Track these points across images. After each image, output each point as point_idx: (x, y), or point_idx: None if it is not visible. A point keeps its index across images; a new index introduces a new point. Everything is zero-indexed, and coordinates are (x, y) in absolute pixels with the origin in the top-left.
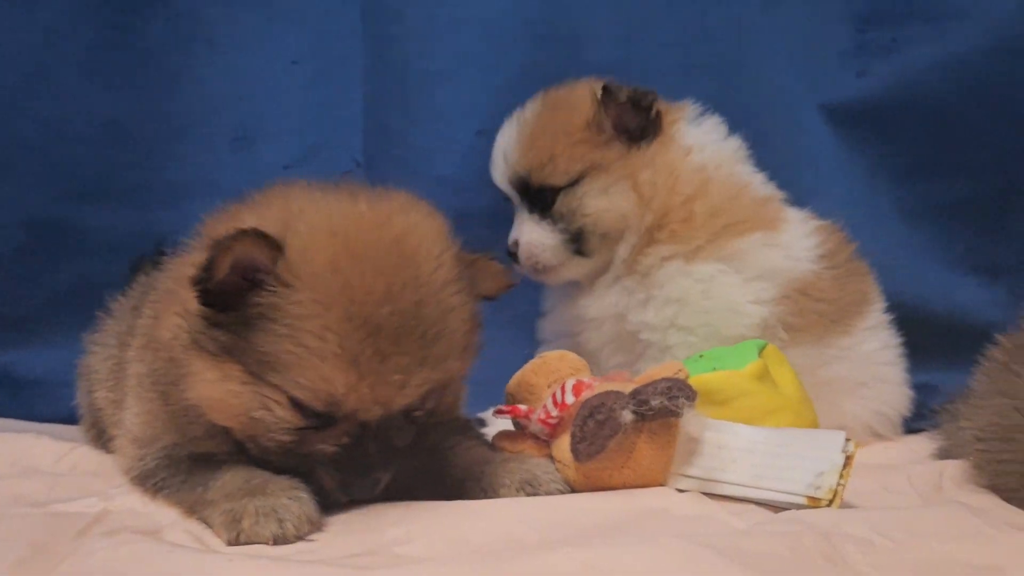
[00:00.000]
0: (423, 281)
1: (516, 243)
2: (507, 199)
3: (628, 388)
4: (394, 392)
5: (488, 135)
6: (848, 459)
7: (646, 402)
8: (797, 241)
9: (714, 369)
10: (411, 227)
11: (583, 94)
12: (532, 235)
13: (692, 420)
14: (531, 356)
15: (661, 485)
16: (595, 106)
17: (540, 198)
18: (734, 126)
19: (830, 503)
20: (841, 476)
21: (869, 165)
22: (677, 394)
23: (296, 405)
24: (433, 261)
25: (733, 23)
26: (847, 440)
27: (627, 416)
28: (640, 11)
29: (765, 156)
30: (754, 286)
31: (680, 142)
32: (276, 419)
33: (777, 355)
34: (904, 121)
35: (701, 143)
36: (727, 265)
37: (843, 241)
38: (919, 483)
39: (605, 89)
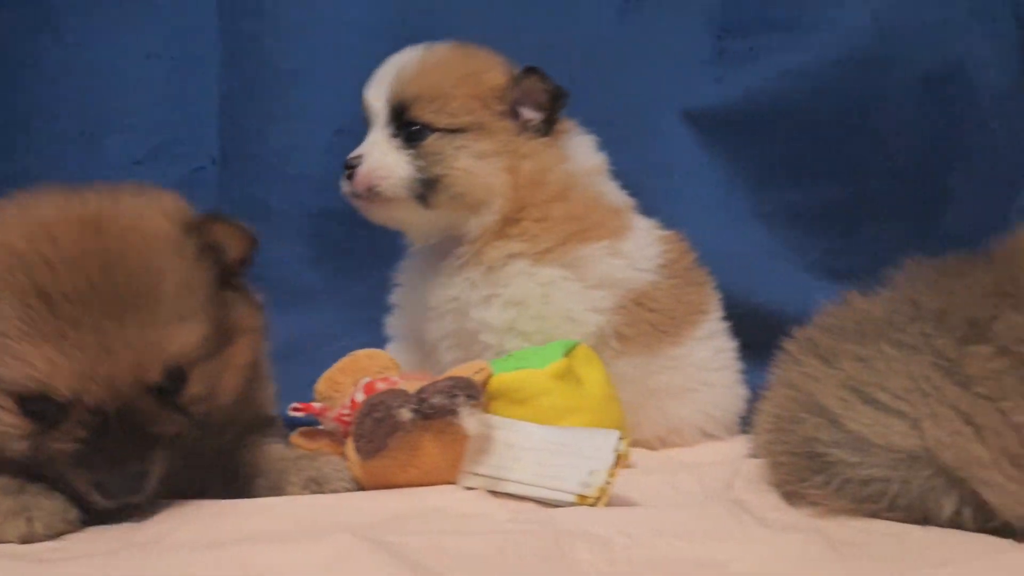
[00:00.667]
0: (112, 247)
1: (360, 157)
2: (363, 118)
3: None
4: (107, 364)
5: (347, 135)
6: (619, 458)
7: (426, 400)
8: (640, 251)
9: (517, 368)
10: (112, 203)
11: (497, 63)
12: (385, 158)
13: (474, 419)
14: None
15: (450, 483)
16: (508, 80)
17: (411, 128)
18: (593, 130)
19: (597, 501)
20: (610, 474)
21: (728, 171)
22: (457, 393)
23: (21, 404)
24: (129, 227)
25: (591, 29)
26: (620, 439)
27: (405, 414)
28: (499, 14)
29: (624, 160)
30: (593, 294)
31: (561, 148)
32: (2, 427)
33: (587, 355)
34: (761, 128)
35: (576, 154)
36: (570, 271)
37: (684, 251)
38: (709, 481)
39: (529, 71)
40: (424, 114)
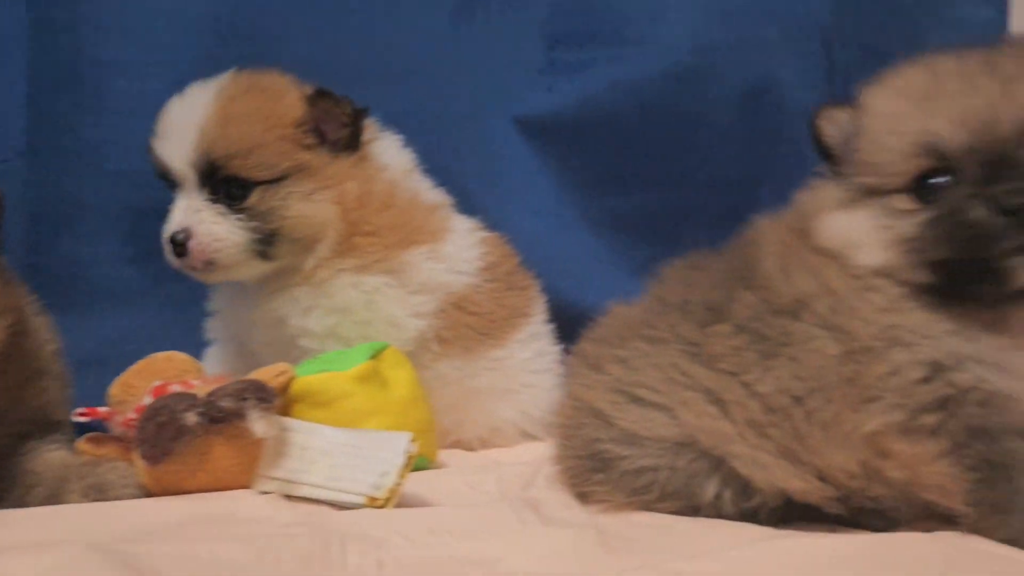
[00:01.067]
0: None
1: (186, 233)
2: (167, 180)
3: None
4: None
5: None
6: (410, 459)
7: (213, 404)
8: (460, 253)
9: (321, 371)
10: None
11: (289, 89)
12: (215, 228)
13: (264, 422)
14: None
15: (245, 488)
16: (305, 107)
17: (230, 188)
18: (427, 134)
19: (386, 502)
20: (400, 476)
21: (558, 178)
22: (247, 396)
23: None
24: None
25: (424, 32)
26: (412, 441)
27: (191, 418)
28: (332, 14)
29: (457, 166)
30: (415, 299)
31: (375, 157)
32: None
33: (395, 358)
34: (589, 137)
35: (389, 158)
36: (393, 278)
37: (507, 254)
38: (509, 481)
39: (321, 95)
40: (242, 171)
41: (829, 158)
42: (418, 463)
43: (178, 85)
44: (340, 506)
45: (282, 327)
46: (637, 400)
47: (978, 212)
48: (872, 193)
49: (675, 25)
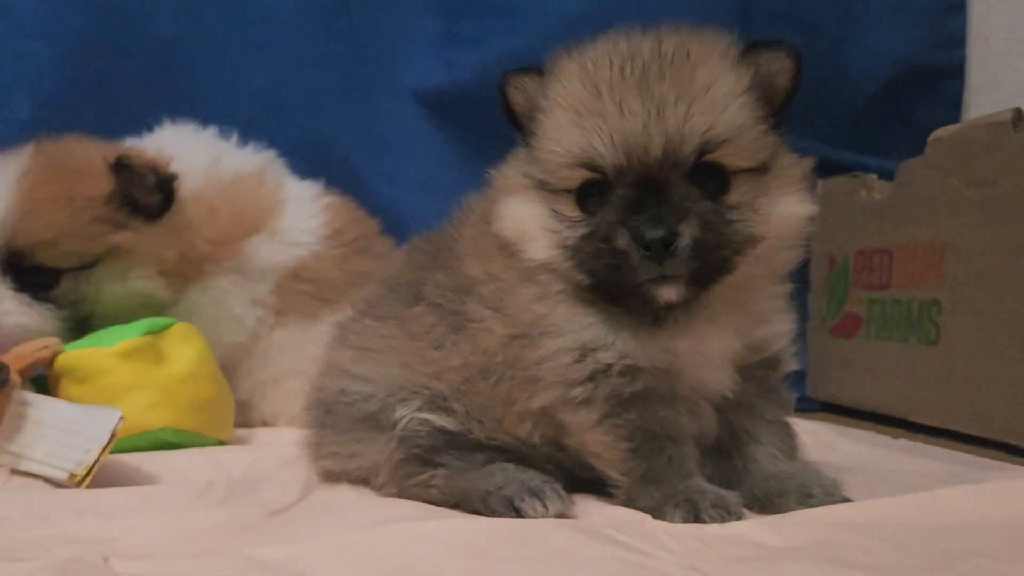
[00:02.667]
0: None
1: None
2: None
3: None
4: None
5: (51, 108)
6: (113, 436)
7: None
8: (298, 223)
9: (89, 346)
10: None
11: (93, 160)
12: (22, 318)
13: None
14: None
15: None
16: (111, 179)
17: (37, 277)
18: (303, 108)
19: (83, 481)
20: (100, 454)
21: (453, 150)
22: None
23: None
24: None
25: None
26: (120, 419)
27: None
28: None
29: (337, 138)
30: (255, 288)
31: (184, 203)
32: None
33: (184, 333)
34: (485, 108)
35: (198, 176)
36: (239, 275)
37: (357, 219)
38: (260, 463)
39: (121, 165)
40: (49, 261)
41: (519, 128)
42: (190, 440)
43: (58, 63)
44: (53, 482)
45: None
46: (370, 357)
47: (621, 241)
48: (544, 187)
49: None
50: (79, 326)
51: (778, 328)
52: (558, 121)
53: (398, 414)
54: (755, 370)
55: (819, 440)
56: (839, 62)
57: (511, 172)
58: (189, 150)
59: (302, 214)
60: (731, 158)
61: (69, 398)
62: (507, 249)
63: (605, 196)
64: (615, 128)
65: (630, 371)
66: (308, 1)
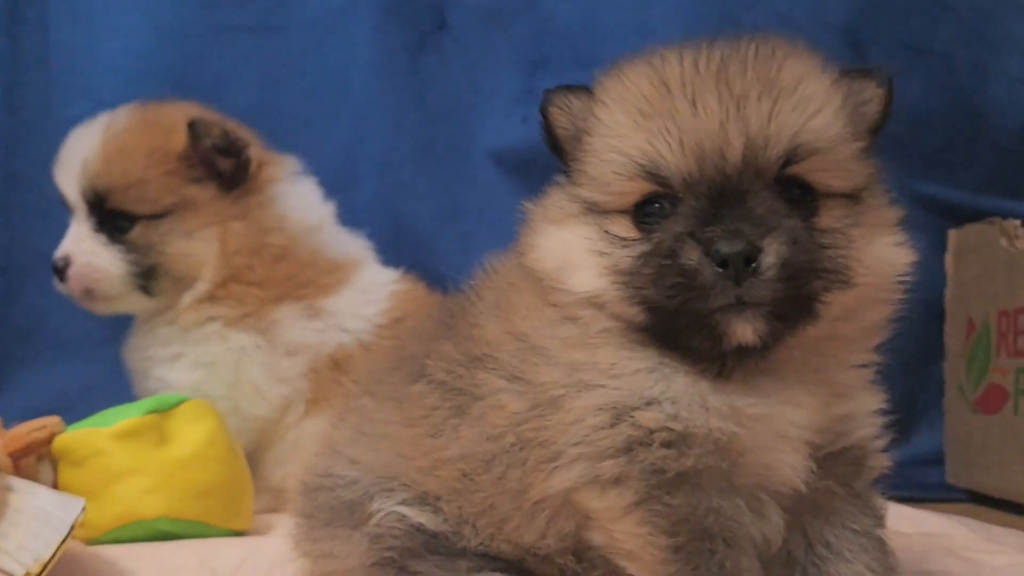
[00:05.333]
0: None
1: (67, 259)
2: (66, 207)
3: None
4: None
5: None
6: (71, 529)
7: None
8: (352, 309)
9: (93, 426)
10: None
11: (177, 117)
12: (95, 258)
13: None
14: None
15: None
16: (186, 138)
17: (114, 220)
18: (382, 174)
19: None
20: (56, 549)
21: None
22: None
23: None
24: None
25: (377, 68)
26: (82, 509)
27: None
28: (281, 59)
29: (417, 204)
30: (282, 363)
31: (275, 200)
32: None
33: (196, 411)
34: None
35: (294, 205)
36: (262, 338)
37: (425, 307)
38: (253, 559)
39: (193, 124)
40: (123, 205)
41: (561, 154)
42: (192, 530)
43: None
44: None
45: (147, 379)
46: (365, 440)
47: (690, 257)
48: (594, 210)
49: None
50: (145, 274)
51: (863, 407)
52: (615, 124)
53: (374, 506)
54: (836, 464)
55: (952, 542)
56: (975, 95)
57: (552, 200)
58: (301, 204)
59: (360, 300)
60: (822, 175)
61: (64, 482)
62: (542, 288)
63: (664, 215)
64: (685, 129)
65: (679, 440)
66: (380, 63)
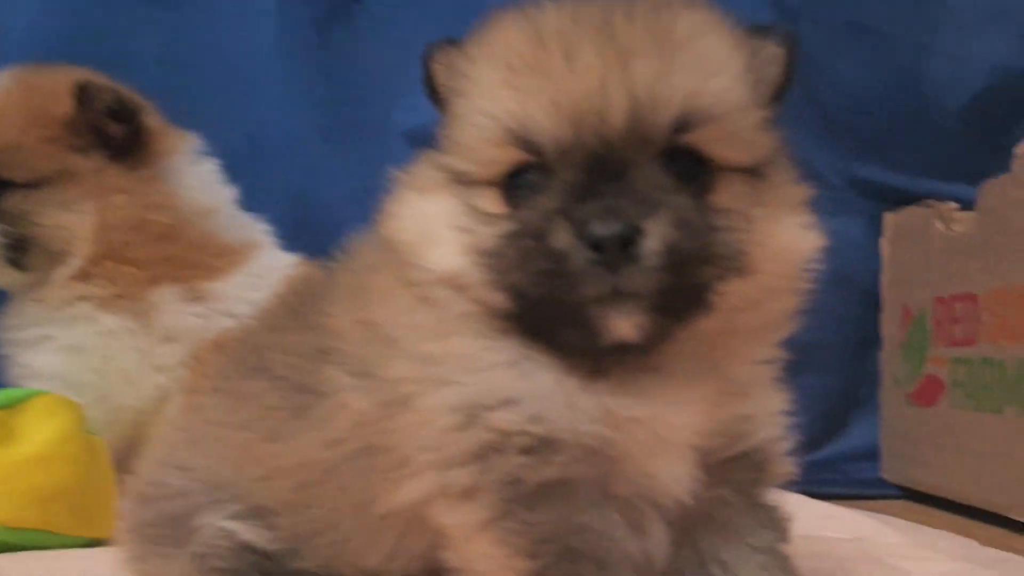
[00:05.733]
0: None
1: None
2: None
3: None
4: None
5: None
6: None
7: None
8: (240, 292)
9: None
10: None
11: (62, 81)
12: None
13: None
14: None
15: None
16: (74, 103)
17: None
18: (286, 152)
19: None
20: None
21: None
22: None
23: None
24: None
25: (285, 40)
26: None
27: None
28: (180, 32)
29: (327, 186)
30: (160, 350)
31: (167, 176)
32: None
33: (49, 406)
34: None
35: (188, 184)
36: (137, 321)
37: None
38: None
39: (84, 87)
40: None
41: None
42: (34, 540)
43: None
44: None
45: (12, 366)
46: (199, 443)
47: (560, 238)
48: (460, 180)
49: None
50: (16, 246)
51: (764, 406)
52: (483, 82)
53: (200, 521)
54: (732, 471)
55: (880, 548)
56: (915, 75)
57: (420, 168)
58: (196, 183)
59: (249, 284)
60: (719, 146)
61: None
62: (402, 269)
63: (535, 189)
64: (561, 87)
65: (540, 446)
66: (287, 36)
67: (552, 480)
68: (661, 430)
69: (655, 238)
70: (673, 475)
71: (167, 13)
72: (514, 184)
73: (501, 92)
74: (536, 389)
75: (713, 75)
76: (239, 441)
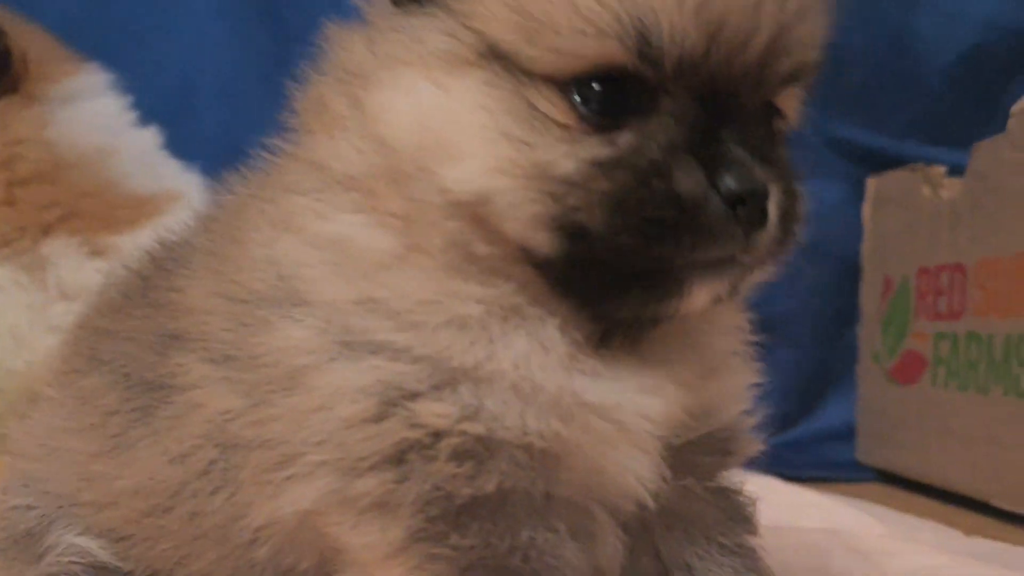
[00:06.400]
0: None
1: None
2: None
3: None
4: None
5: None
6: None
7: None
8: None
9: None
10: None
11: None
12: None
13: None
14: None
15: None
16: None
17: None
18: (221, 96)
19: None
20: None
21: None
22: None
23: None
24: None
25: None
26: None
27: None
28: None
29: (265, 132)
30: (56, 308)
31: (44, 109)
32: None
33: None
34: None
35: (76, 119)
36: (27, 275)
37: None
38: None
39: None
40: None
41: None
42: None
43: None
44: None
45: None
46: (45, 450)
47: (691, 181)
48: (506, 64)
49: None
50: None
51: (734, 381)
52: None
53: (52, 538)
54: (697, 455)
55: (858, 541)
56: (902, 30)
57: (416, 34)
58: (87, 118)
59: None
60: (791, 108)
61: None
62: (335, 185)
63: (636, 106)
64: None
65: (479, 450)
66: None
67: (489, 494)
68: (626, 420)
69: (775, 204)
70: (633, 473)
71: None
72: (586, 93)
73: None
74: (497, 360)
75: (824, 28)
76: (83, 451)
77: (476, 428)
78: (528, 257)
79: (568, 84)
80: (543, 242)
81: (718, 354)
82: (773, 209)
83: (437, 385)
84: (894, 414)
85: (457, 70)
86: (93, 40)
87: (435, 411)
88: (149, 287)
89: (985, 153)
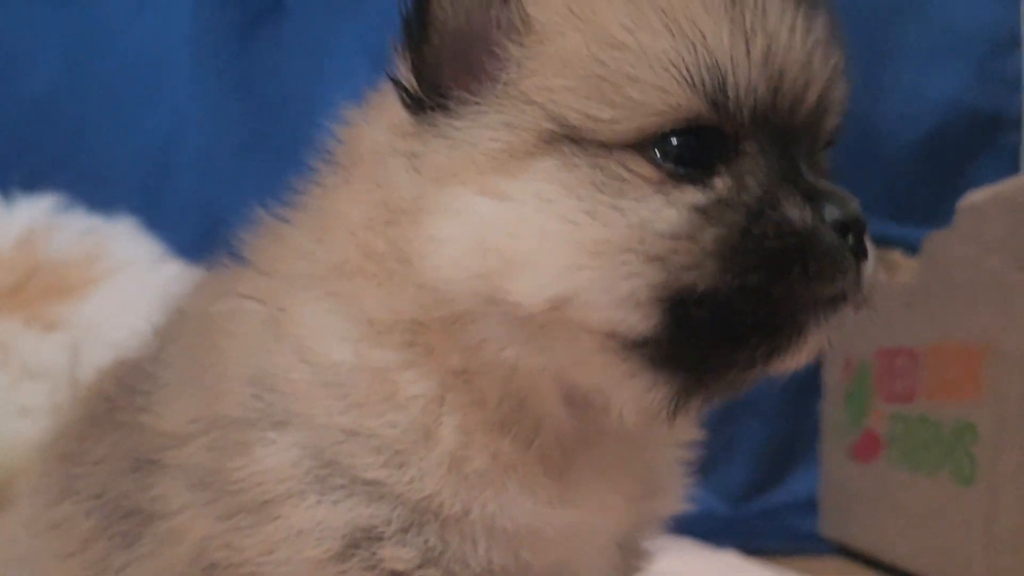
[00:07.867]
0: None
1: None
2: None
3: None
4: None
5: None
6: None
7: None
8: (115, 316)
9: None
10: None
11: None
12: None
13: None
14: None
15: None
16: None
17: None
18: (197, 168)
19: None
20: None
21: None
22: None
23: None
24: None
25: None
26: None
27: None
28: (87, 35)
29: (242, 205)
30: (24, 388)
31: None
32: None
33: None
34: None
35: None
36: None
37: None
38: None
39: None
40: None
41: (425, 68)
42: None
43: None
44: None
45: None
46: (16, 565)
47: (800, 212)
48: (568, 137)
49: None
50: None
51: (676, 493)
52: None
53: None
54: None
55: None
56: (864, 109)
57: (458, 141)
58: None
59: (121, 303)
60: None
61: None
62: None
63: (718, 154)
64: (771, 32)
65: None
66: (203, 45)
67: None
68: (589, 539)
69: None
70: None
71: (74, 12)
72: (668, 148)
73: (677, 22)
74: (468, 502)
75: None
76: None
77: (435, 574)
78: (615, 345)
79: (646, 144)
80: (637, 321)
81: (664, 468)
82: (870, 242)
83: (404, 527)
84: (854, 490)
85: (517, 167)
86: (73, 110)
87: (398, 555)
88: (115, 408)
89: (935, 244)
